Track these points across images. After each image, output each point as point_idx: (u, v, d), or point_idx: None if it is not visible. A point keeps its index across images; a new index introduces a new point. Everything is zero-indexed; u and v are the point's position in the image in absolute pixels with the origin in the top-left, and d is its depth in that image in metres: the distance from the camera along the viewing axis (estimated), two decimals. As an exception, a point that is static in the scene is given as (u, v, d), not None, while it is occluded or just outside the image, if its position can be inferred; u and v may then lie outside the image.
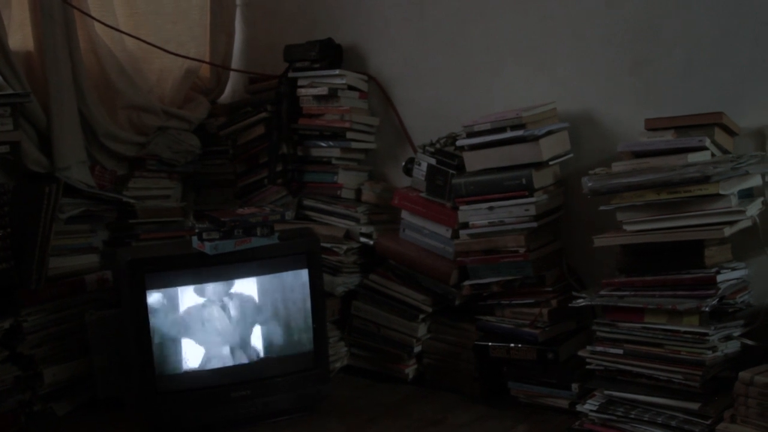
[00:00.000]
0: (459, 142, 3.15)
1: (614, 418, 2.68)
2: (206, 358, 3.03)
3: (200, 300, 3.03)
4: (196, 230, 3.00)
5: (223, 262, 2.97)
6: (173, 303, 2.98)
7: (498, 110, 3.14)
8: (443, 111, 3.50)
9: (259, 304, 3.09)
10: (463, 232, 3.15)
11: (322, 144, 3.70)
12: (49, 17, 3.32)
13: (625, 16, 3.03)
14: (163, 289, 2.95)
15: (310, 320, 3.11)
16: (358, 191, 3.70)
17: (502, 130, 3.00)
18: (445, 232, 3.26)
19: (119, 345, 3.14)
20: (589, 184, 2.72)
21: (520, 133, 2.96)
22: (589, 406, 2.74)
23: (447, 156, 3.23)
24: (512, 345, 3.06)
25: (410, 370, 3.40)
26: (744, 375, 2.42)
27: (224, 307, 3.05)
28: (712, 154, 2.69)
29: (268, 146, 3.76)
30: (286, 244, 3.09)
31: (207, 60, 4.01)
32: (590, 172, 2.79)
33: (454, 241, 3.19)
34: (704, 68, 2.87)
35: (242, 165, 3.91)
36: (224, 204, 3.89)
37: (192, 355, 3.01)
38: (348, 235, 3.56)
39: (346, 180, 3.68)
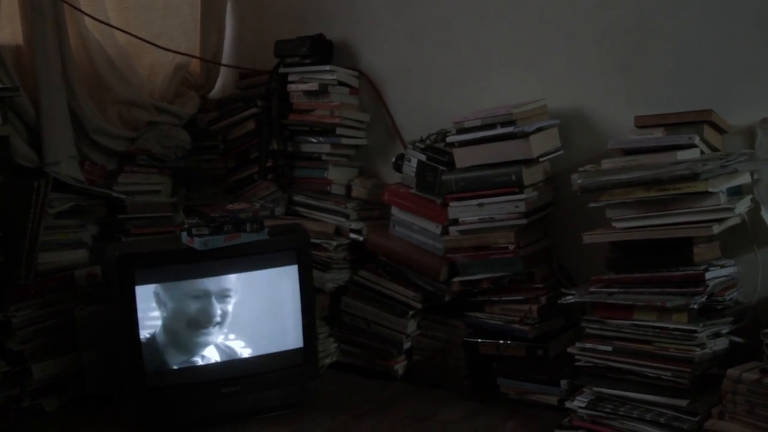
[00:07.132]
0: (449, 139, 3.15)
1: (603, 414, 2.68)
2: (195, 354, 3.02)
3: (190, 295, 3.02)
4: (186, 226, 3.00)
5: (212, 257, 2.96)
6: (163, 298, 2.97)
7: (488, 107, 3.14)
8: (434, 107, 3.49)
9: (249, 300, 3.08)
10: (452, 229, 3.15)
11: (313, 140, 3.70)
12: (39, 11, 3.30)
13: (615, 15, 3.03)
14: (152, 285, 2.94)
15: (299, 316, 3.10)
16: (348, 187, 3.69)
17: (493, 126, 3.00)
18: (435, 228, 3.26)
19: (109, 341, 3.12)
20: (579, 181, 2.71)
21: (510, 129, 2.96)
22: (578, 402, 2.74)
23: (437, 152, 3.23)
24: (502, 341, 3.06)
25: (400, 367, 3.40)
26: (732, 372, 2.43)
27: (213, 303, 3.03)
28: (702, 152, 2.69)
29: (258, 142, 3.75)
30: (275, 240, 3.09)
31: (197, 55, 4.01)
32: (580, 169, 2.79)
33: (443, 237, 3.19)
34: (694, 66, 2.87)
35: (232, 160, 3.91)
36: (214, 199, 3.89)
37: (181, 351, 3.00)
38: (338, 231, 3.56)
39: (337, 176, 3.67)
